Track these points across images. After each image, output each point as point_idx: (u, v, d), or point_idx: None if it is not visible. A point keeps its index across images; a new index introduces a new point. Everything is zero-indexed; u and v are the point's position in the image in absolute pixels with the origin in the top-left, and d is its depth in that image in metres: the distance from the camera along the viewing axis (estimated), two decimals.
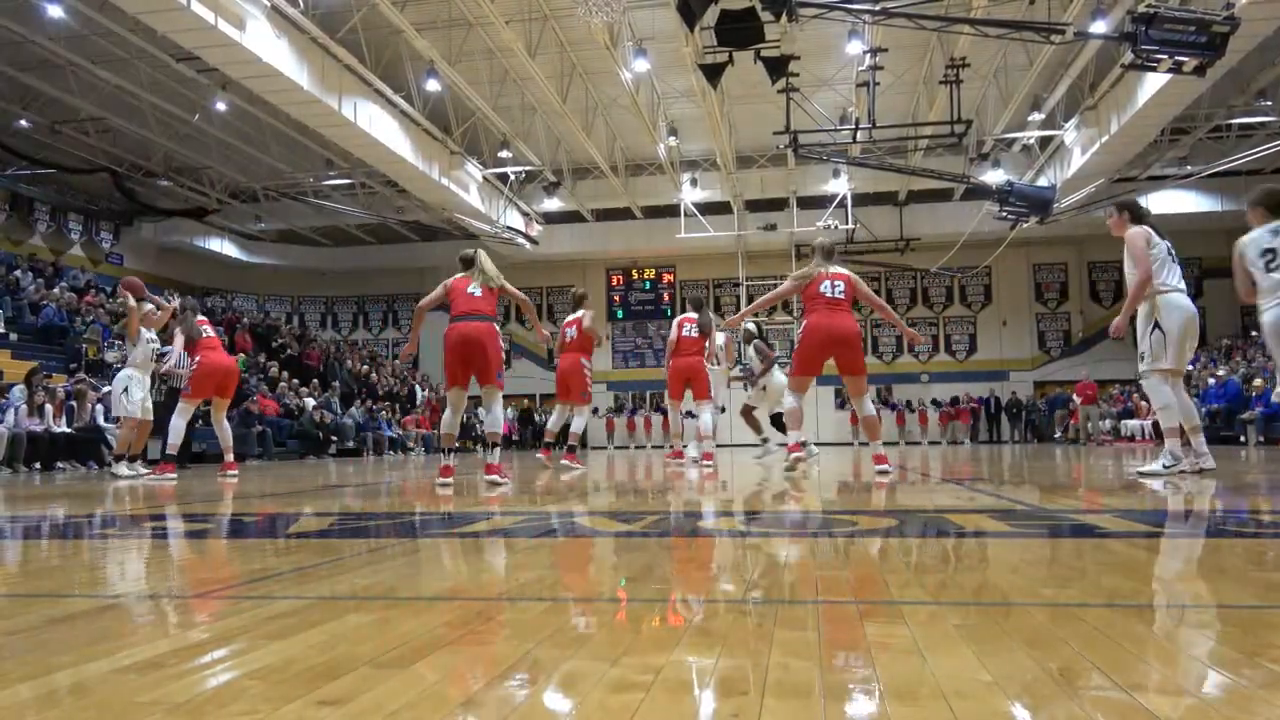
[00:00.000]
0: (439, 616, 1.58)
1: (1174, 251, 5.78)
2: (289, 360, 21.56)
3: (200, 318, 8.54)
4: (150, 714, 1.05)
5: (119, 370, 8.85)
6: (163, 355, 9.27)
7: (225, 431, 8.53)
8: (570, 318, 8.62)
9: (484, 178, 21.79)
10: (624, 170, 22.81)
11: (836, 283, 6.21)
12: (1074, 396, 20.74)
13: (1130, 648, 1.28)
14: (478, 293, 5.82)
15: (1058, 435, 23.14)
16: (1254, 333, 22.34)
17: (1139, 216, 5.87)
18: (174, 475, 7.93)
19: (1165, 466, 5.63)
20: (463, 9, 14.80)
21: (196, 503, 5.00)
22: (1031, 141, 20.89)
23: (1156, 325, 5.61)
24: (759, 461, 8.90)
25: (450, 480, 5.60)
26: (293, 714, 1.04)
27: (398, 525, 3.57)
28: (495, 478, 5.63)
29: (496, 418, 6.02)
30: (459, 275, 5.91)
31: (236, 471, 8.29)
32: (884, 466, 6.13)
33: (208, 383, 8.20)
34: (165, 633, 1.50)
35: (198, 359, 8.16)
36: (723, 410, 11.04)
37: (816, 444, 10.59)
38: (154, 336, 8.73)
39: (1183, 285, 5.70)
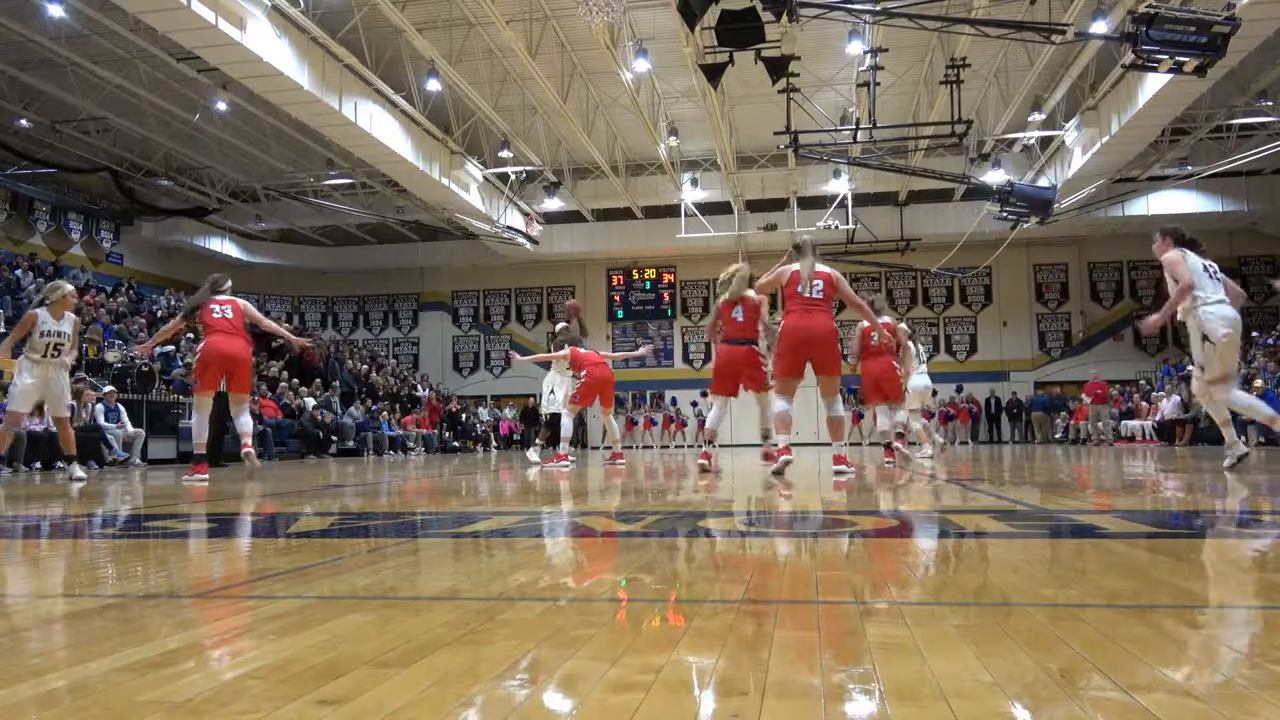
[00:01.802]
0: (439, 616, 1.58)
1: (1210, 269, 6.27)
2: (288, 359, 21.55)
3: (220, 296, 7.67)
4: (150, 714, 1.05)
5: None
6: (167, 354, 9.14)
7: (244, 423, 7.70)
8: (871, 322, 7.89)
9: (484, 178, 21.80)
10: (624, 170, 22.82)
11: (815, 282, 6.16)
12: (1083, 395, 20.75)
13: (1130, 648, 1.28)
14: (740, 317, 6.89)
15: (1057, 436, 23.14)
16: (1255, 333, 22.38)
17: (1180, 240, 6.35)
18: (205, 477, 7.06)
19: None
20: (463, 9, 14.81)
21: (197, 502, 5.00)
22: (1032, 142, 20.90)
23: (1204, 339, 6.15)
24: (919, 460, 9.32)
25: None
26: (293, 714, 1.04)
27: (398, 525, 3.57)
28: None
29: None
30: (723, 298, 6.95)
31: (249, 451, 7.61)
32: (842, 467, 6.16)
33: (208, 371, 7.46)
34: (165, 633, 1.50)
35: (203, 343, 7.50)
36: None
37: (810, 444, 10.81)
38: (49, 321, 7.64)
39: (1220, 296, 6.18)
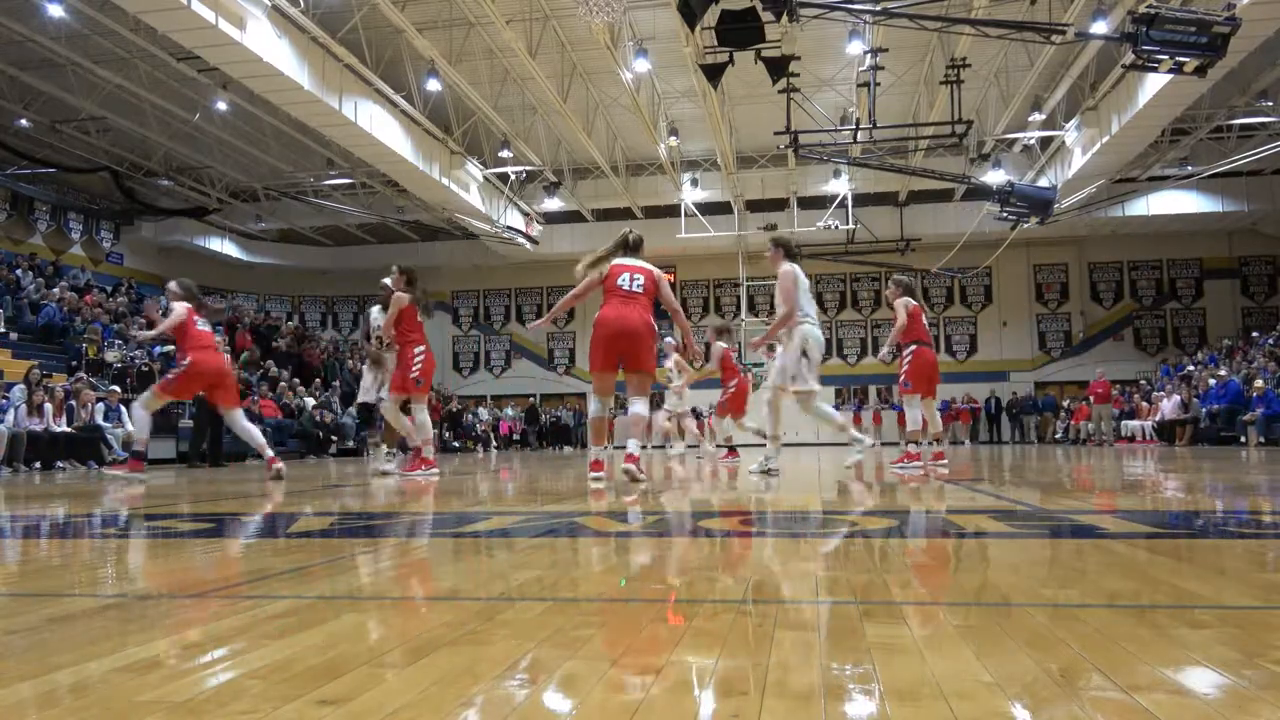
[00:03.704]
0: (439, 616, 1.58)
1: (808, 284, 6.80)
2: (289, 358, 21.56)
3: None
4: (150, 714, 1.05)
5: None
6: (166, 354, 8.95)
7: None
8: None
9: (484, 177, 21.80)
10: (624, 170, 22.82)
11: (636, 276, 5.88)
12: (1088, 395, 20.80)
13: (1130, 648, 1.28)
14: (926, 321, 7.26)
15: (1056, 436, 23.15)
16: (1255, 333, 22.38)
17: (792, 255, 6.73)
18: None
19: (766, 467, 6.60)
20: (463, 9, 14.81)
21: (197, 502, 5.00)
22: (1032, 142, 20.90)
23: (804, 354, 6.46)
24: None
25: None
26: (293, 713, 1.04)
27: (398, 525, 3.57)
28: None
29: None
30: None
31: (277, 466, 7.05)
32: (630, 467, 5.72)
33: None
34: (165, 633, 1.50)
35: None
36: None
37: (811, 444, 10.79)
38: None
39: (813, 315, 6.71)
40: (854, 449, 7.05)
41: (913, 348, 7.84)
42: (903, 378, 7.92)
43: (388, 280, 7.59)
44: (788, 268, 6.57)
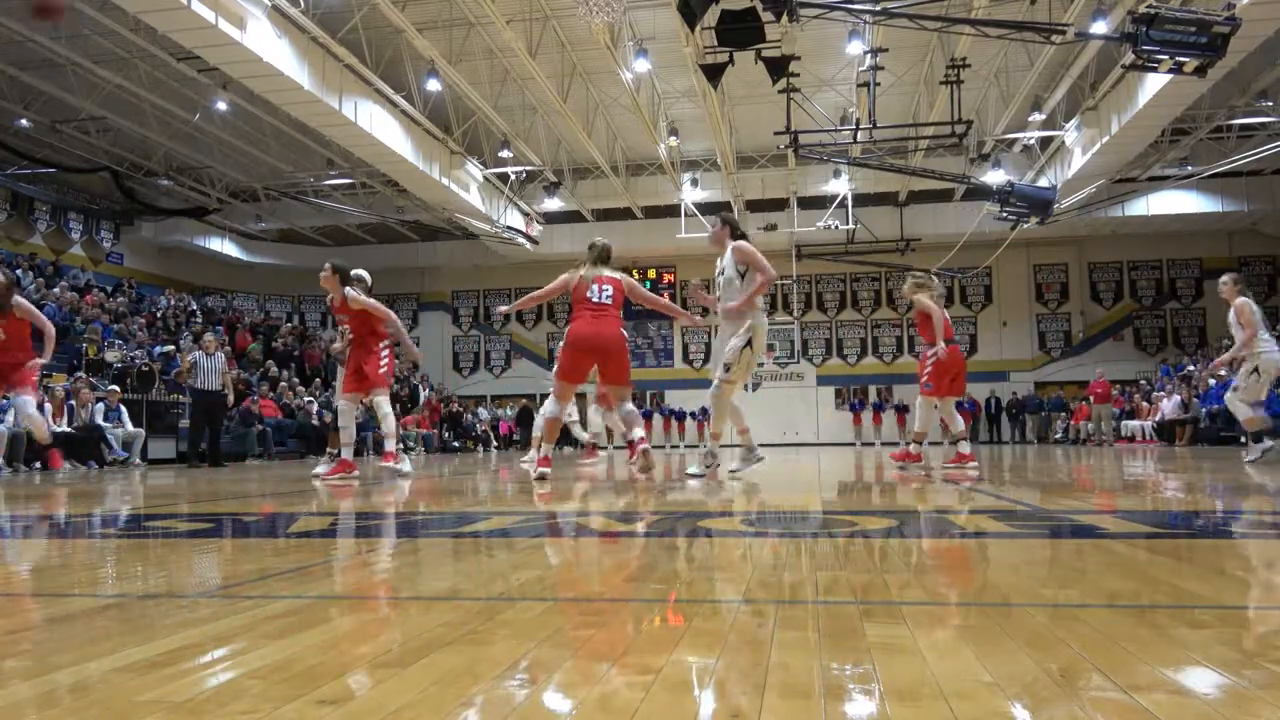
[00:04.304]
0: (439, 616, 1.57)
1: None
2: (289, 358, 21.56)
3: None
4: (150, 714, 1.05)
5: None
6: (166, 353, 8.88)
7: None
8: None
9: (484, 177, 21.80)
10: (624, 170, 22.82)
11: (605, 287, 6.02)
12: (1088, 395, 20.81)
13: (1130, 648, 1.28)
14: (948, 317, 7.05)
15: (1057, 436, 23.16)
16: None
17: (738, 233, 6.42)
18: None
19: (707, 467, 6.38)
20: (463, 9, 14.81)
21: (197, 502, 5.00)
22: (1032, 142, 20.90)
23: (749, 345, 6.23)
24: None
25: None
26: (293, 714, 1.04)
27: (398, 525, 3.57)
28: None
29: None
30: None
31: None
32: (646, 447, 6.05)
33: None
34: (165, 632, 1.50)
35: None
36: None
37: (809, 444, 10.71)
38: None
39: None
40: (702, 462, 6.47)
41: (940, 346, 7.54)
42: (925, 379, 7.71)
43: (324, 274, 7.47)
44: (746, 244, 6.32)
